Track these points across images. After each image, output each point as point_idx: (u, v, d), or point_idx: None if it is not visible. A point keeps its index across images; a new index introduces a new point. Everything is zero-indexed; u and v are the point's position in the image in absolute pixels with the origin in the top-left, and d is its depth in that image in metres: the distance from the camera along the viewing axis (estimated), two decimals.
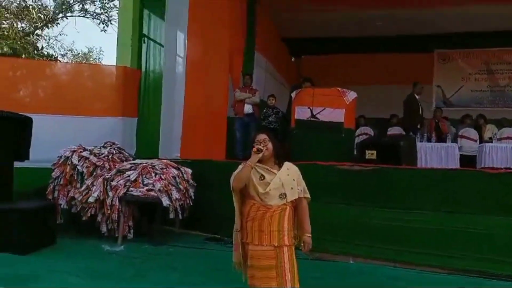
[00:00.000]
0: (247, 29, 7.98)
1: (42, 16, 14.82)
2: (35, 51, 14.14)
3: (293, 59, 12.03)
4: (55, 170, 5.60)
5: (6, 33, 13.35)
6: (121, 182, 5.21)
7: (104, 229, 5.13)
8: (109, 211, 5.07)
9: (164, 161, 5.72)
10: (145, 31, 7.51)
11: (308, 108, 6.47)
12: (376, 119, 9.33)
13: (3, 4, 14.03)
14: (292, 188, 2.63)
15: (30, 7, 14.23)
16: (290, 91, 7.44)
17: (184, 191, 5.40)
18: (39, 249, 4.59)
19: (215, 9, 7.18)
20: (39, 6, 14.61)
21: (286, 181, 2.61)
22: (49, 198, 5.52)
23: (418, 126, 7.36)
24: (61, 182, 5.50)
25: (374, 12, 8.37)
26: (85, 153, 5.67)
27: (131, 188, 5.16)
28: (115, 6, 14.77)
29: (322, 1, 7.75)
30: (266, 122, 7.25)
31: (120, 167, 5.51)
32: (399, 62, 10.26)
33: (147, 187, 5.17)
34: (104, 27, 15.57)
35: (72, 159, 5.56)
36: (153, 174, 5.32)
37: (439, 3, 7.76)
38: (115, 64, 7.70)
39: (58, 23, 15.77)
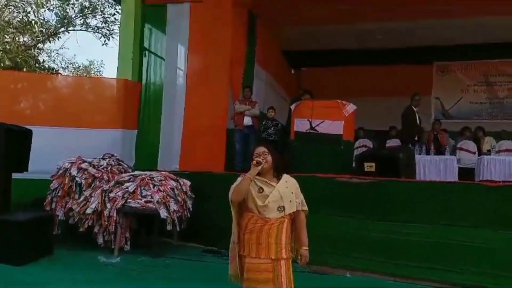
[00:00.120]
0: (247, 42, 8.06)
1: (44, 30, 15.02)
2: (37, 65, 14.29)
3: (292, 72, 12.11)
4: (54, 181, 5.61)
5: (8, 47, 13.52)
6: (120, 193, 5.21)
7: (100, 240, 5.12)
8: (106, 223, 5.05)
9: (163, 173, 5.73)
10: (146, 45, 7.60)
11: (308, 120, 6.51)
12: (375, 131, 9.33)
13: (6, 19, 14.24)
14: (290, 201, 2.64)
15: (33, 21, 14.43)
16: (290, 103, 7.49)
17: (182, 203, 5.40)
18: (36, 260, 4.59)
19: (216, 23, 7.27)
20: (42, 21, 14.84)
21: (285, 194, 2.62)
22: (46, 209, 5.52)
23: (416, 138, 7.36)
24: (59, 194, 5.51)
25: (373, 25, 8.46)
26: (84, 165, 5.68)
27: (129, 200, 5.16)
28: (117, 20, 15.00)
29: (321, 14, 7.84)
30: (265, 134, 7.27)
31: (118, 178, 5.52)
32: (398, 74, 10.32)
33: (145, 199, 5.17)
34: (105, 40, 15.80)
35: (71, 171, 5.57)
36: (151, 186, 5.32)
37: (437, 16, 7.84)
38: (116, 77, 7.77)
39: (60, 37, 16.03)
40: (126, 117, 7.26)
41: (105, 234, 5.10)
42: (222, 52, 7.23)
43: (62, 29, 15.74)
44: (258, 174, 2.62)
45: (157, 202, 5.12)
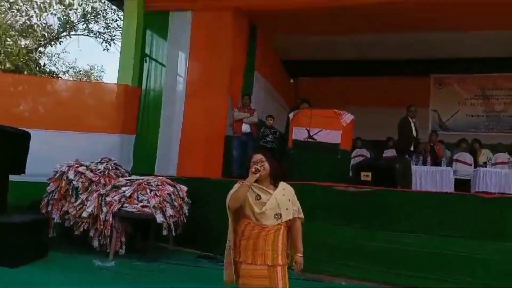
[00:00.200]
0: (247, 51, 8.14)
1: (46, 34, 15.11)
2: (38, 68, 14.34)
3: (292, 81, 12.19)
4: (51, 184, 5.61)
5: (10, 50, 13.58)
6: (116, 197, 5.21)
7: (96, 244, 5.11)
8: (102, 226, 5.05)
9: (160, 178, 5.74)
10: (147, 51, 7.68)
11: (306, 129, 6.54)
12: (373, 141, 9.37)
13: (8, 22, 14.33)
14: (287, 209, 2.65)
15: (35, 25, 14.53)
16: (289, 112, 7.54)
17: (179, 208, 5.40)
18: (30, 262, 4.57)
19: (217, 31, 7.36)
20: (44, 25, 14.94)
21: (282, 202, 2.64)
22: (43, 212, 5.51)
23: (412, 149, 7.41)
24: (56, 197, 5.51)
25: (372, 36, 8.56)
26: (81, 169, 5.69)
27: (125, 204, 5.16)
28: (119, 26, 15.12)
29: (321, 25, 7.94)
30: (263, 142, 7.30)
31: (115, 183, 5.52)
32: (396, 85, 10.39)
33: (141, 203, 5.17)
34: (106, 46, 15.90)
35: (68, 174, 5.58)
36: (148, 191, 5.33)
37: (435, 29, 7.94)
38: (116, 82, 7.82)
39: (62, 41, 16.11)
40: (125, 122, 7.30)
41: (100, 238, 5.09)
42: (222, 60, 7.30)
43: (64, 33, 15.84)
44: (256, 181, 2.64)
45: (154, 207, 5.12)
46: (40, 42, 15.21)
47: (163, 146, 7.43)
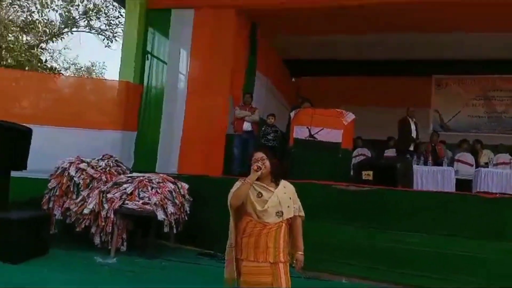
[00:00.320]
0: (249, 50, 8.13)
1: (47, 30, 15.10)
2: (39, 64, 14.34)
3: (293, 80, 12.19)
4: (52, 180, 5.61)
5: (11, 45, 13.57)
6: (117, 194, 5.21)
7: (97, 240, 5.11)
8: (103, 223, 5.05)
9: (161, 175, 5.74)
10: (148, 48, 7.66)
11: (307, 127, 6.55)
12: (374, 140, 9.37)
13: (10, 18, 14.32)
14: (288, 207, 2.67)
15: (37, 21, 14.51)
16: (290, 111, 7.54)
17: (180, 205, 5.41)
18: (31, 259, 4.57)
19: (218, 29, 7.35)
20: (45, 21, 14.92)
21: (283, 200, 2.65)
22: (44, 208, 5.52)
23: (412, 149, 7.42)
24: (57, 193, 5.51)
25: (373, 36, 8.54)
26: (82, 165, 5.68)
27: (126, 201, 5.16)
28: (120, 23, 15.10)
29: (322, 25, 7.93)
30: (264, 140, 7.30)
31: (116, 179, 5.52)
32: (397, 85, 10.37)
33: (142, 201, 5.18)
34: (108, 43, 15.88)
35: (70, 171, 5.58)
36: (149, 188, 5.33)
37: (437, 30, 7.93)
38: (117, 79, 7.82)
39: (63, 38, 16.10)
40: (126, 119, 7.29)
41: (102, 234, 5.09)
42: (224, 59, 7.30)
43: (66, 29, 15.83)
44: (257, 179, 2.65)
45: (155, 204, 5.13)
46: (42, 38, 15.19)
47: (164, 144, 7.43)
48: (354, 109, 6.94)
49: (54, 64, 16.42)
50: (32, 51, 14.39)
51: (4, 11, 14.12)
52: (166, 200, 5.24)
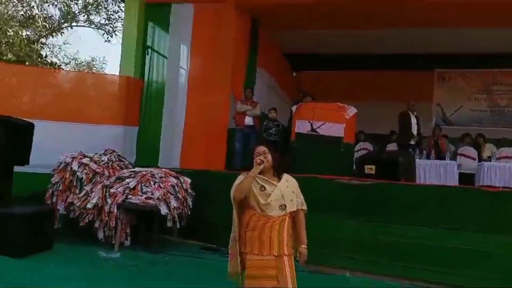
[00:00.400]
0: (249, 44, 8.09)
1: (47, 25, 15.03)
2: (39, 59, 14.28)
3: (294, 74, 12.15)
4: (55, 175, 5.62)
5: (11, 40, 13.51)
6: (120, 189, 5.22)
7: (101, 235, 5.13)
8: (107, 218, 5.06)
9: (164, 170, 5.74)
10: (149, 43, 7.61)
11: (309, 122, 6.55)
12: (376, 135, 9.36)
13: (10, 12, 14.25)
14: (291, 200, 2.69)
15: (36, 16, 14.44)
16: (291, 105, 7.53)
17: (183, 200, 5.41)
18: (35, 253, 4.58)
19: (219, 24, 7.32)
20: (45, 15, 14.84)
21: (286, 193, 2.67)
22: (47, 203, 5.53)
23: (413, 143, 7.41)
24: (60, 188, 5.52)
25: (375, 31, 8.50)
26: (85, 160, 5.69)
27: (129, 196, 5.17)
28: (120, 17, 15.02)
29: (323, 20, 7.88)
30: (266, 134, 7.30)
31: (119, 174, 5.53)
32: (399, 79, 10.35)
33: (145, 195, 5.19)
34: (108, 37, 15.81)
35: (72, 165, 5.58)
36: (152, 183, 5.33)
37: (439, 25, 7.89)
38: (118, 74, 7.79)
39: (63, 32, 16.03)
40: (127, 114, 7.27)
41: (105, 229, 5.11)
42: (224, 53, 7.27)
43: (66, 24, 15.76)
44: (260, 173, 2.66)
45: (158, 198, 5.13)
46: (42, 33, 15.13)
47: (166, 138, 7.42)
48: (356, 103, 6.91)
49: (54, 59, 16.37)
50: (32, 46, 14.32)
51: (4, 5, 14.05)
52: (169, 194, 5.25)
